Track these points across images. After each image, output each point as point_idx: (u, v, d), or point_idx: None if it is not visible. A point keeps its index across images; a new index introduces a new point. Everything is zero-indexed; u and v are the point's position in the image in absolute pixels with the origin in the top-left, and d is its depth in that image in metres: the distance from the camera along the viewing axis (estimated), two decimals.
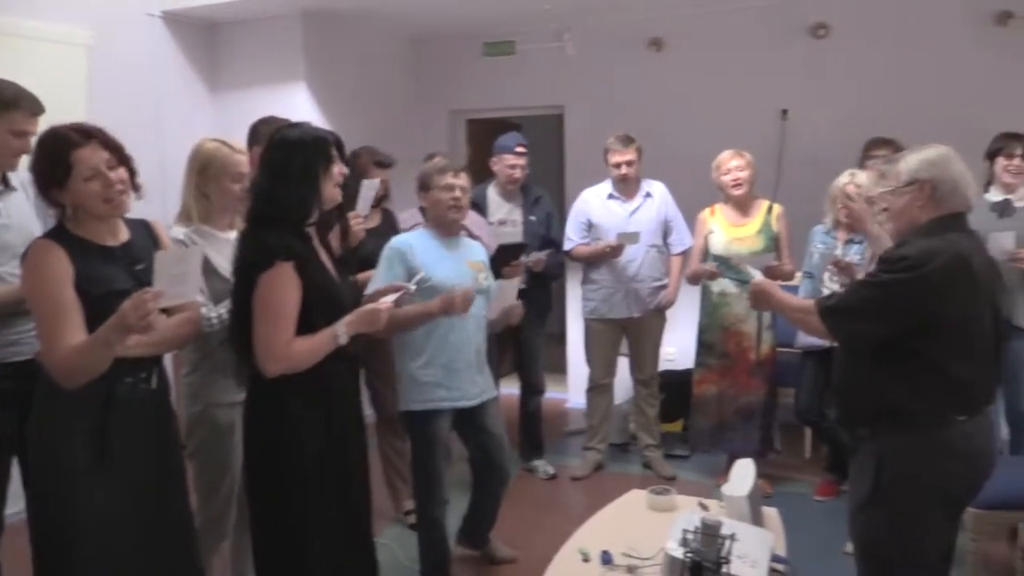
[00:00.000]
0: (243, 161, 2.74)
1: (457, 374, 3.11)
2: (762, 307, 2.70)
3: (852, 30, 5.02)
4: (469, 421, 3.23)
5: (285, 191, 2.27)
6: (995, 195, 3.80)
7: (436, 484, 3.16)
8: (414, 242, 3.11)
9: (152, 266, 2.09)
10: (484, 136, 6.00)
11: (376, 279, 3.01)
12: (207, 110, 5.19)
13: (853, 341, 2.31)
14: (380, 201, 3.89)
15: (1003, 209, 3.76)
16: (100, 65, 4.33)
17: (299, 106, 4.93)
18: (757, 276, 2.64)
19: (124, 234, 2.32)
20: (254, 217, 2.33)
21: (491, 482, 3.39)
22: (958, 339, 2.17)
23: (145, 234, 2.40)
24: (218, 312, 2.56)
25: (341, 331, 2.30)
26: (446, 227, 3.18)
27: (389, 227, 3.92)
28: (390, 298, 2.51)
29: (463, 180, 3.18)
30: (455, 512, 3.49)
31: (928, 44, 4.86)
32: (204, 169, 2.70)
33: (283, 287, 2.21)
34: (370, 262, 3.23)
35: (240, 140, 2.88)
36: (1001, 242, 3.52)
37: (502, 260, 3.88)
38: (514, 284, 3.38)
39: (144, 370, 2.29)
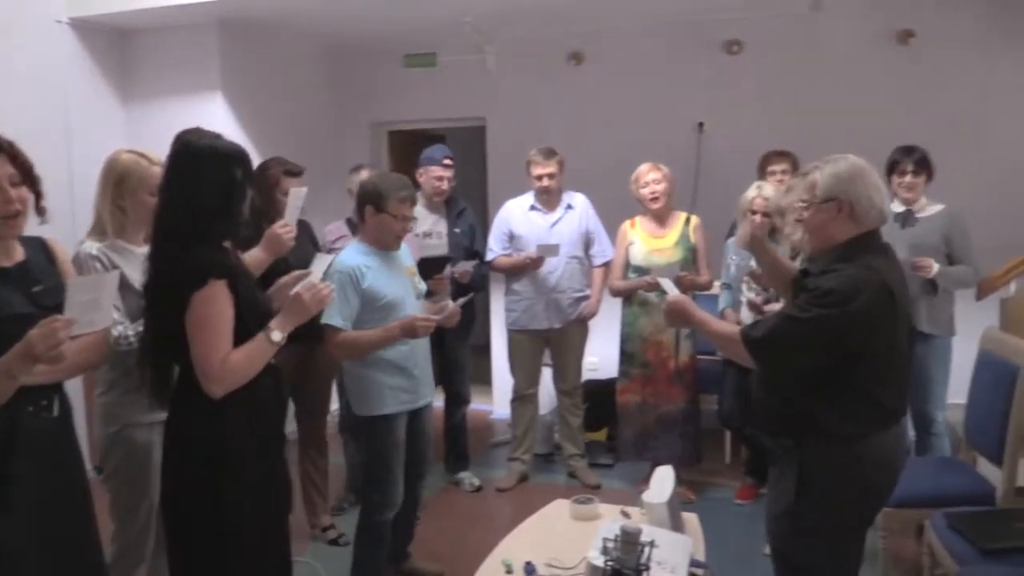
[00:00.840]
0: (160, 173, 2.66)
1: (415, 376, 3.18)
2: (677, 325, 2.68)
3: (764, 47, 5.19)
4: (414, 420, 3.26)
5: (216, 206, 2.21)
6: (898, 206, 3.97)
7: (394, 487, 3.18)
8: (360, 263, 3.07)
9: (50, 287, 2.00)
10: (406, 148, 5.99)
11: (331, 309, 2.92)
12: (119, 121, 5.04)
13: (777, 371, 2.31)
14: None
15: (905, 219, 3.92)
16: (2, 74, 4.17)
17: (215, 117, 4.82)
18: (673, 293, 2.61)
19: (19, 254, 2.20)
20: (174, 232, 2.21)
21: (417, 476, 3.39)
22: (881, 366, 2.21)
23: (41, 253, 2.28)
24: (135, 330, 2.48)
25: (275, 332, 2.26)
26: (382, 247, 3.17)
27: (307, 239, 3.87)
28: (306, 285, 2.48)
29: (413, 211, 3.21)
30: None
31: (835, 61, 5.06)
32: (121, 182, 2.61)
33: (219, 305, 2.16)
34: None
35: (156, 152, 2.80)
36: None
37: (426, 273, 3.86)
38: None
39: (45, 397, 2.19)
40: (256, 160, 2.83)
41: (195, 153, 2.24)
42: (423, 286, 3.35)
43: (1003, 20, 4.78)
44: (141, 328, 2.43)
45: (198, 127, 2.35)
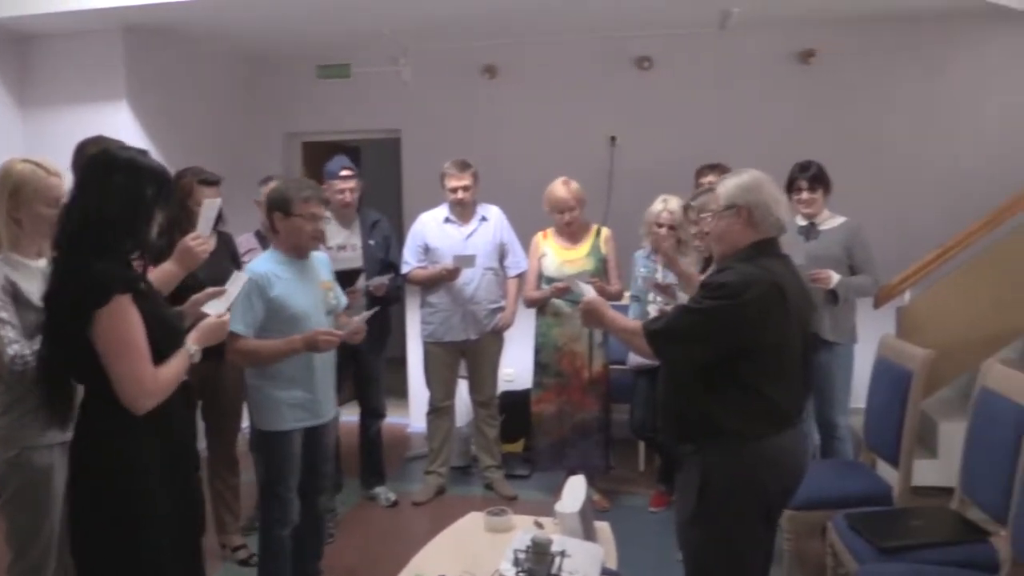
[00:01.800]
0: (58, 184, 2.55)
1: (314, 393, 3.12)
2: (592, 325, 2.78)
3: (674, 64, 5.33)
4: (314, 437, 3.21)
5: (121, 219, 2.14)
6: (801, 220, 4.11)
7: (288, 503, 3.13)
8: (270, 270, 3.04)
9: None
10: (321, 159, 5.88)
11: (234, 315, 2.86)
12: (16, 128, 4.83)
13: (676, 363, 2.42)
14: (215, 224, 3.74)
15: (808, 232, 4.07)
16: None
17: (120, 125, 4.66)
18: (589, 294, 2.69)
19: None
20: (77, 243, 2.13)
21: (316, 492, 3.33)
22: (773, 362, 2.32)
23: None
24: (32, 348, 2.37)
25: (192, 348, 2.24)
26: (300, 252, 3.13)
27: (227, 251, 3.78)
28: (221, 307, 2.43)
29: (323, 210, 3.17)
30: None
31: (742, 78, 5.24)
32: (16, 192, 2.50)
33: (128, 320, 2.09)
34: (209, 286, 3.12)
35: (54, 161, 2.69)
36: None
37: (339, 286, 3.82)
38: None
39: None
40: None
41: (109, 163, 2.18)
42: (342, 299, 3.32)
43: (897, 39, 5.04)
44: (38, 346, 2.34)
45: (102, 135, 2.28)
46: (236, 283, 2.61)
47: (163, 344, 2.18)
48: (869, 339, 3.82)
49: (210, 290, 2.55)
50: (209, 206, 3.07)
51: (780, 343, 2.31)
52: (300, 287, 3.09)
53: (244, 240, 4.15)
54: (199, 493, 2.48)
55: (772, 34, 5.15)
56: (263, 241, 4.04)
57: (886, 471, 3.42)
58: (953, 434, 3.71)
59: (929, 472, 4.19)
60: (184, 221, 3.32)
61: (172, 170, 3.51)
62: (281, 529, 3.15)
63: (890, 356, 3.47)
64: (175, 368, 2.20)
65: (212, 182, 3.55)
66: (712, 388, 2.33)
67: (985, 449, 2.85)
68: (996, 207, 4.30)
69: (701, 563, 2.44)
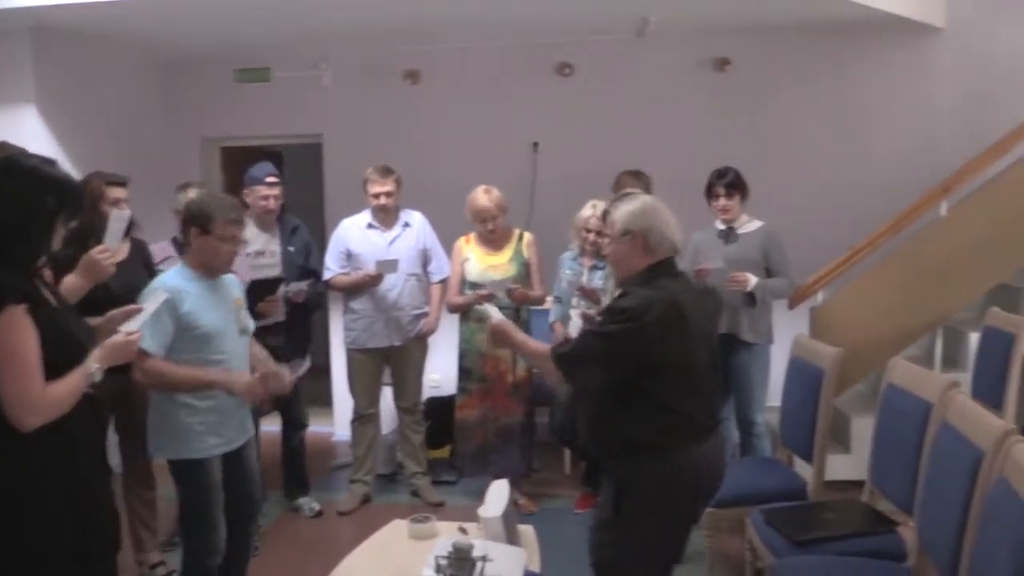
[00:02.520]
0: None
1: (228, 419, 2.99)
2: (501, 345, 2.83)
3: (593, 71, 5.40)
4: (233, 461, 3.09)
5: (16, 227, 2.06)
6: (720, 224, 4.21)
7: (214, 532, 3.00)
8: (181, 286, 2.87)
9: None
10: (240, 164, 5.77)
11: (144, 332, 2.69)
12: None
13: (584, 385, 2.50)
14: (127, 232, 3.63)
15: (727, 236, 4.17)
16: None
17: (27, 129, 4.50)
18: (496, 317, 2.75)
19: None
20: None
21: (245, 516, 3.23)
22: (681, 378, 2.40)
23: None
24: None
25: (94, 367, 2.15)
26: (210, 272, 2.99)
27: (141, 259, 3.67)
28: (134, 325, 2.35)
29: (242, 232, 3.08)
30: None
31: (660, 85, 5.34)
32: None
33: (18, 332, 2.01)
34: (121, 299, 3.00)
35: None
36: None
37: (258, 295, 3.75)
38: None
39: None
40: (78, 176, 2.67)
41: (8, 169, 2.12)
42: (250, 322, 3.15)
43: (807, 49, 5.20)
44: None
45: (6, 141, 2.19)
46: (153, 300, 2.54)
47: (61, 360, 2.10)
48: (785, 339, 3.92)
49: (128, 308, 2.47)
50: (117, 218, 2.97)
51: (684, 359, 2.40)
52: (211, 304, 2.93)
53: (160, 248, 4.03)
54: (111, 510, 2.39)
55: (688, 42, 5.26)
56: (180, 248, 3.92)
57: (802, 467, 3.53)
58: (865, 429, 3.84)
59: (843, 466, 4.34)
60: (100, 228, 3.20)
61: (85, 174, 3.44)
62: (206, 560, 3.01)
63: (803, 355, 3.58)
64: (69, 386, 2.10)
65: (119, 182, 3.44)
66: (627, 407, 2.41)
67: (892, 443, 2.96)
68: (901, 211, 4.48)
69: (609, 567, 2.50)
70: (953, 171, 4.50)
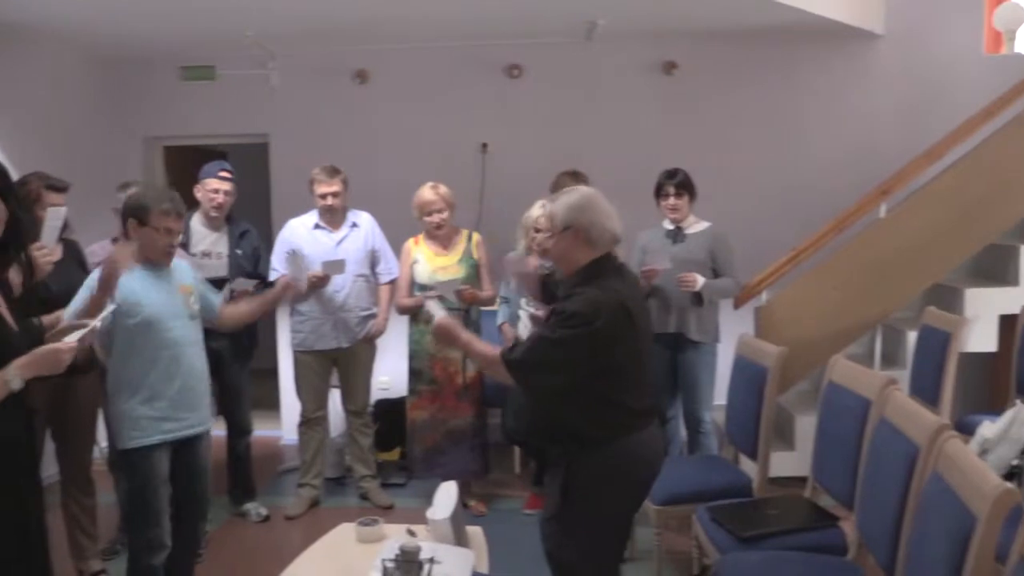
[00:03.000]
0: None
1: (182, 404, 3.00)
2: (445, 344, 2.84)
3: (543, 72, 5.41)
4: (183, 453, 3.07)
5: None
6: (669, 224, 4.26)
7: (158, 526, 2.98)
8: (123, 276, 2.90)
9: None
10: (185, 165, 5.69)
11: (72, 307, 2.79)
12: None
13: (535, 389, 2.51)
14: (61, 232, 3.54)
15: (675, 236, 4.22)
16: None
17: None
18: (440, 316, 2.74)
19: None
20: None
21: (193, 515, 3.21)
22: (627, 375, 2.44)
23: None
24: None
25: (12, 375, 2.08)
26: (152, 262, 3.02)
27: (74, 259, 3.58)
28: (74, 337, 2.29)
29: (180, 224, 3.07)
30: None
31: (609, 87, 5.38)
32: None
33: None
34: (57, 301, 2.97)
35: None
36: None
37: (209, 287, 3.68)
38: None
39: None
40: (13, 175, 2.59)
41: None
42: (212, 299, 3.23)
43: (751, 53, 5.29)
44: None
45: None
46: (104, 314, 2.53)
47: None
48: (730, 338, 3.98)
49: (76, 322, 2.44)
50: (53, 215, 2.91)
51: (631, 357, 2.44)
52: (155, 289, 2.96)
53: (100, 248, 3.94)
54: (42, 522, 2.32)
55: (636, 46, 5.31)
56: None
57: (748, 464, 3.59)
58: (808, 427, 3.92)
59: (787, 463, 4.42)
60: (32, 229, 3.12)
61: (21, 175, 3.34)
62: (150, 557, 2.98)
63: (747, 354, 3.64)
64: None
65: (60, 188, 3.36)
66: (572, 403, 2.43)
67: (833, 439, 3.03)
68: (842, 212, 4.58)
69: (563, 558, 2.53)
70: (893, 173, 4.61)
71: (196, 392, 3.08)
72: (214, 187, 4.16)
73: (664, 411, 4.24)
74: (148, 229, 2.93)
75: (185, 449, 3.07)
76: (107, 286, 2.74)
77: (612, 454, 2.44)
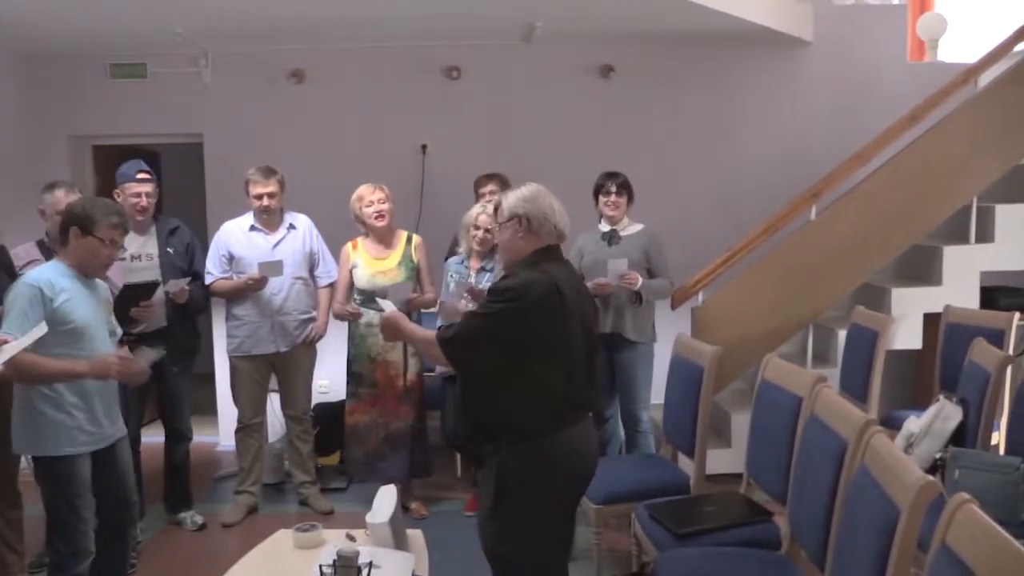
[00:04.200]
0: None
1: (98, 415, 2.96)
2: (393, 338, 2.83)
3: (481, 74, 5.42)
4: (103, 460, 3.02)
5: None
6: (604, 226, 4.31)
7: (82, 534, 2.92)
8: (55, 280, 2.84)
9: None
10: (115, 164, 5.50)
11: (9, 323, 2.71)
12: None
13: (470, 366, 2.52)
14: None
15: (611, 238, 4.27)
16: None
17: None
18: (388, 309, 2.75)
19: None
20: None
21: (121, 523, 3.15)
22: (558, 360, 2.46)
23: None
24: None
25: None
26: (86, 273, 2.97)
27: (1, 267, 3.47)
28: (1, 357, 2.23)
29: (123, 240, 3.04)
30: None
31: (546, 90, 5.42)
32: None
33: None
34: None
35: None
36: (617, 267, 4.03)
37: (130, 300, 3.59)
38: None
39: None
40: None
41: None
42: (117, 328, 3.15)
43: (687, 58, 5.39)
44: None
45: None
46: (33, 334, 2.53)
47: None
48: (668, 339, 4.04)
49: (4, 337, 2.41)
50: None
51: (562, 341, 2.47)
52: (85, 301, 2.92)
53: (24, 250, 3.81)
54: None
55: (574, 49, 5.36)
56: (46, 252, 3.73)
57: (686, 462, 3.64)
58: (743, 424, 3.98)
59: (724, 460, 4.51)
60: None
61: None
62: (74, 565, 2.91)
63: (683, 353, 3.70)
64: None
65: None
66: (506, 387, 2.45)
67: (766, 436, 3.10)
68: (773, 215, 4.69)
69: (501, 556, 2.53)
70: (823, 177, 4.74)
71: (113, 404, 3.07)
72: (135, 191, 4.02)
73: (602, 410, 4.28)
74: (92, 239, 2.90)
75: (104, 455, 3.02)
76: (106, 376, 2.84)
77: (545, 449, 2.45)
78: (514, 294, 2.40)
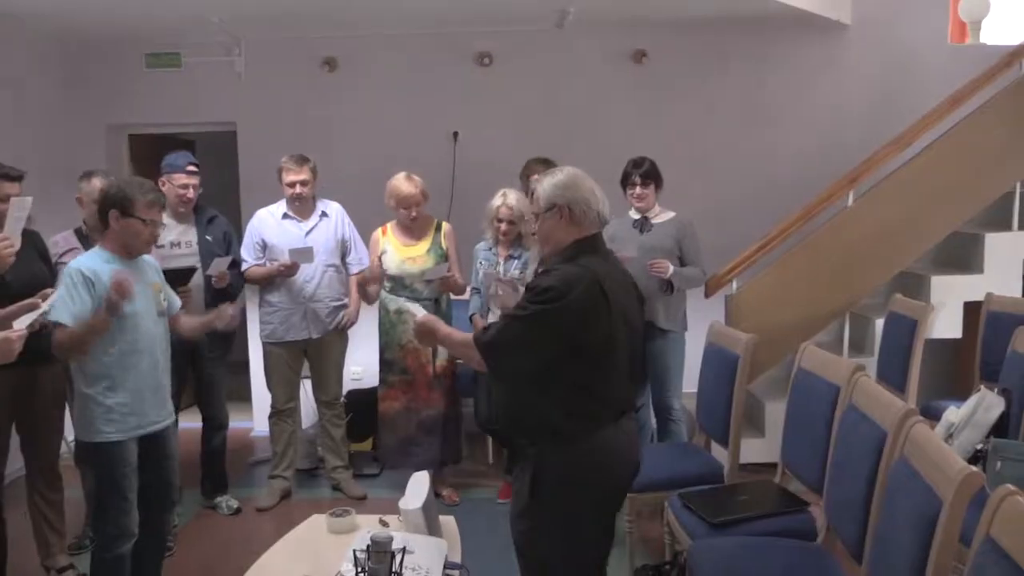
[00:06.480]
0: None
1: (147, 399, 2.99)
2: (427, 343, 2.76)
3: (513, 60, 5.40)
4: (151, 445, 3.05)
5: None
6: (635, 213, 4.27)
7: (126, 516, 2.96)
8: (98, 267, 2.88)
9: None
10: (150, 153, 5.61)
11: (58, 307, 2.72)
12: None
13: (508, 370, 2.41)
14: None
15: (642, 225, 4.24)
16: None
17: None
18: (420, 314, 2.68)
19: None
20: None
21: (161, 502, 3.19)
22: (601, 359, 2.34)
23: None
24: None
25: None
26: (130, 253, 3.00)
27: (34, 250, 3.50)
28: (23, 322, 2.25)
29: (162, 216, 3.07)
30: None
31: (579, 76, 5.38)
32: None
33: None
34: (18, 292, 2.88)
35: None
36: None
37: (170, 286, 3.62)
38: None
39: None
40: None
41: None
42: (174, 301, 3.22)
43: (720, 43, 5.32)
44: None
45: None
46: (51, 300, 2.49)
47: None
48: (701, 327, 4.00)
49: (28, 302, 2.39)
50: (18, 205, 2.84)
51: (606, 340, 2.33)
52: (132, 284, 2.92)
53: (63, 239, 3.87)
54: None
55: (606, 34, 5.31)
56: (84, 239, 3.78)
57: (719, 451, 3.61)
58: (777, 413, 3.95)
59: (757, 450, 4.46)
60: None
61: None
62: (118, 545, 2.96)
63: (718, 342, 3.66)
64: None
65: (14, 176, 3.27)
66: (544, 390, 2.34)
67: (802, 425, 3.06)
68: (810, 202, 4.62)
69: (535, 555, 2.47)
70: (860, 162, 4.65)
71: (163, 388, 3.09)
72: (183, 182, 4.08)
73: (634, 399, 4.25)
74: (132, 220, 2.92)
75: (153, 440, 3.06)
76: (115, 309, 2.74)
77: (581, 450, 2.35)
78: (555, 294, 2.26)
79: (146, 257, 3.14)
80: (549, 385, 2.34)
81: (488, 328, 2.43)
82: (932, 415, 3.81)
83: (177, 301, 3.28)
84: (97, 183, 3.82)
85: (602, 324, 2.30)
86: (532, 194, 2.50)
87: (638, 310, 2.56)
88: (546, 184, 2.42)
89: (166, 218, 4.12)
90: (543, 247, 2.49)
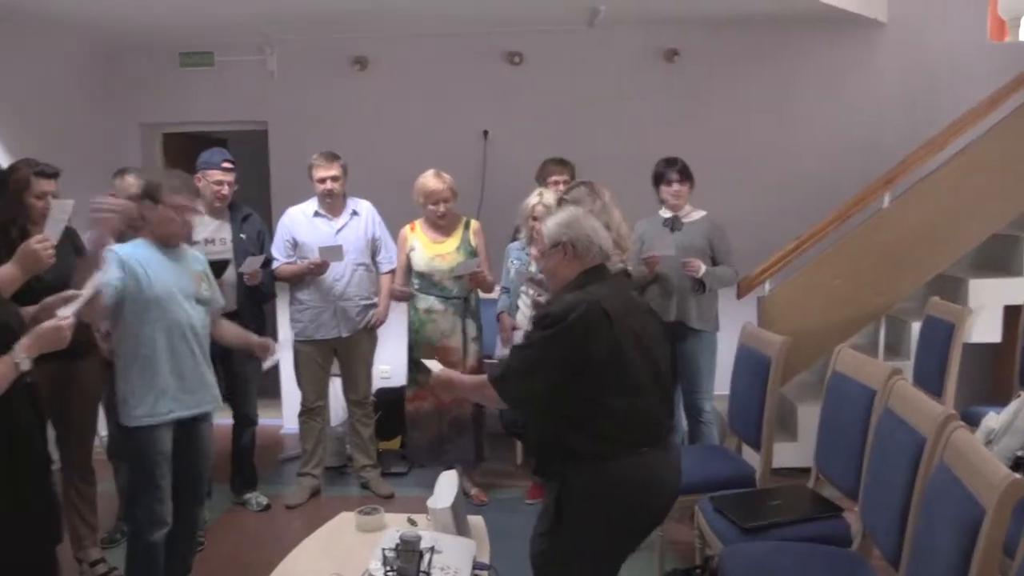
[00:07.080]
0: None
1: (187, 384, 3.03)
2: (448, 395, 2.82)
3: (544, 60, 5.37)
4: (186, 431, 3.09)
5: None
6: (666, 212, 4.24)
7: (160, 503, 3.00)
8: (134, 252, 2.95)
9: None
10: (183, 151, 5.66)
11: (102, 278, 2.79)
12: None
13: (525, 400, 2.47)
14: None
15: (673, 224, 4.20)
16: None
17: None
18: (436, 368, 2.69)
19: None
20: None
21: (191, 496, 3.21)
22: (612, 376, 2.35)
23: None
24: None
25: (20, 356, 2.08)
26: (169, 241, 3.06)
27: (71, 248, 3.54)
28: (68, 311, 2.28)
29: (193, 201, 3.11)
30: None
31: (610, 75, 5.34)
32: None
33: None
34: (55, 289, 2.92)
35: None
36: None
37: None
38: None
39: None
40: (6, 163, 2.56)
41: None
42: (218, 297, 3.27)
43: (752, 42, 5.25)
44: None
45: None
46: (90, 285, 2.51)
47: None
48: (733, 329, 3.95)
49: (64, 294, 2.41)
50: (59, 208, 2.87)
51: (615, 357, 2.35)
52: (166, 268, 2.99)
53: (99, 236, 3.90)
54: (53, 500, 2.32)
55: (638, 33, 5.27)
56: (118, 236, 3.81)
57: (750, 455, 3.56)
58: (811, 417, 3.89)
59: (790, 454, 4.41)
60: (20, 216, 3.11)
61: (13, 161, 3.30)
62: (153, 533, 3.00)
63: (751, 343, 3.62)
64: None
65: (49, 174, 3.31)
66: (561, 412, 2.39)
67: (837, 429, 3.01)
68: (844, 202, 4.55)
69: (548, 571, 2.48)
70: (897, 163, 4.58)
71: (200, 373, 3.10)
72: (218, 179, 4.12)
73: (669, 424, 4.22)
74: (162, 208, 2.97)
75: (188, 429, 3.08)
76: (100, 241, 2.77)
77: (604, 474, 2.35)
78: (554, 319, 2.35)
79: (191, 250, 3.22)
80: (565, 408, 2.38)
81: (498, 365, 2.52)
82: (970, 421, 3.72)
83: (220, 299, 3.30)
84: (130, 180, 3.87)
85: (604, 335, 2.34)
86: (538, 234, 2.61)
87: (656, 332, 2.56)
88: (550, 223, 2.54)
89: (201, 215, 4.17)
90: (550, 282, 2.61)
